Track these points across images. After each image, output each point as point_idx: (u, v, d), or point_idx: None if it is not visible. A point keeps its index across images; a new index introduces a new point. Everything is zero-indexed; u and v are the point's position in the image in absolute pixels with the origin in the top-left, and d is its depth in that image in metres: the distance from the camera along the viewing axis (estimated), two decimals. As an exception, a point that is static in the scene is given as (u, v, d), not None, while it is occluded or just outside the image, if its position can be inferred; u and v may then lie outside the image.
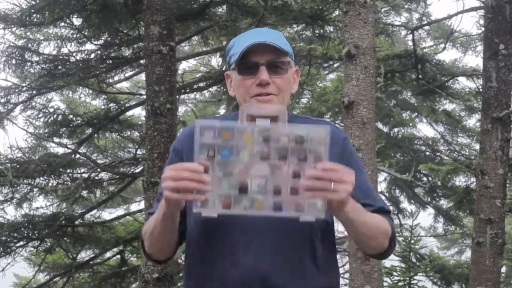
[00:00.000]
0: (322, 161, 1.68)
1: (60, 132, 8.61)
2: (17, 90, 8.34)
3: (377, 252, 1.95)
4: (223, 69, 10.21)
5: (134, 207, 13.09)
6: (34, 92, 8.38)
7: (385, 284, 9.01)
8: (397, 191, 14.10)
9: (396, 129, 13.08)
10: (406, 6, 12.47)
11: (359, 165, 2.01)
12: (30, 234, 8.24)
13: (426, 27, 13.94)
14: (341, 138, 1.98)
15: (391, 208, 13.95)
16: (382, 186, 13.77)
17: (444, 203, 13.46)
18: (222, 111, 14.34)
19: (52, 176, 8.31)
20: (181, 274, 9.17)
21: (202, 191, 1.66)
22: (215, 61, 13.85)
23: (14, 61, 8.01)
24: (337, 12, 8.69)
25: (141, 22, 7.20)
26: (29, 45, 8.54)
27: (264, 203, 1.69)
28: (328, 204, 1.69)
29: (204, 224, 1.84)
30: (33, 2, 7.53)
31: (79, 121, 8.54)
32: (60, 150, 8.73)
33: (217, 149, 1.69)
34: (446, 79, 9.30)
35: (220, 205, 1.70)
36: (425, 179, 12.71)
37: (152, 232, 1.91)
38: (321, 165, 1.66)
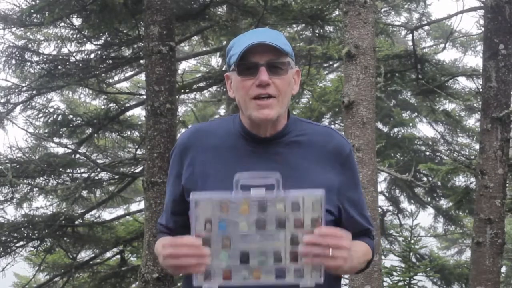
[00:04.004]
0: (319, 226, 1.69)
1: (60, 132, 8.62)
2: (17, 90, 8.34)
3: (352, 273, 2.01)
4: (223, 69, 10.21)
5: (134, 207, 13.09)
6: (34, 92, 8.38)
7: (385, 284, 9.01)
8: (397, 191, 14.10)
9: (396, 129, 13.07)
10: (406, 6, 12.47)
11: (357, 181, 2.03)
12: (30, 234, 8.24)
13: (426, 27, 13.96)
14: (345, 152, 1.98)
15: (390, 208, 13.98)
16: (382, 186, 13.78)
17: (444, 203, 13.46)
18: (222, 111, 14.34)
19: (52, 176, 8.31)
20: (181, 274, 9.17)
21: (202, 264, 1.69)
22: (215, 61, 13.87)
23: (14, 61, 8.01)
24: (337, 12, 8.69)
25: (141, 22, 7.20)
26: (29, 45, 8.54)
27: (263, 272, 1.72)
28: (326, 269, 1.72)
29: None
30: (33, 2, 7.53)
31: (79, 121, 8.55)
32: (60, 150, 8.75)
33: (214, 221, 1.71)
34: (446, 79, 9.31)
35: (220, 277, 1.73)
36: (425, 179, 12.70)
37: (162, 261, 1.94)
38: (318, 231, 1.68)
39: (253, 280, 1.72)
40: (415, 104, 13.38)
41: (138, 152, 9.31)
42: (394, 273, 9.26)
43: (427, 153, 13.43)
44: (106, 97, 9.07)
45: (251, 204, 1.70)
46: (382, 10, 10.81)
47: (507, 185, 7.17)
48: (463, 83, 12.76)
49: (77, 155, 8.53)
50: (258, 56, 1.86)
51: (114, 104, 8.79)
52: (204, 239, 1.69)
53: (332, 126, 12.34)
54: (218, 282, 1.72)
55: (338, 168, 1.94)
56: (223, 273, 1.72)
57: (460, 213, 12.13)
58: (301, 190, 1.72)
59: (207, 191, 1.78)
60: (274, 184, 1.73)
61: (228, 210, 1.70)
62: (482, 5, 7.30)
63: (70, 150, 8.53)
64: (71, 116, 8.52)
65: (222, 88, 10.93)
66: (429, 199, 13.69)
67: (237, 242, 1.71)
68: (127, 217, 10.51)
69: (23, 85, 8.52)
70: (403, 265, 9.67)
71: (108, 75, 9.46)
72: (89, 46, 8.46)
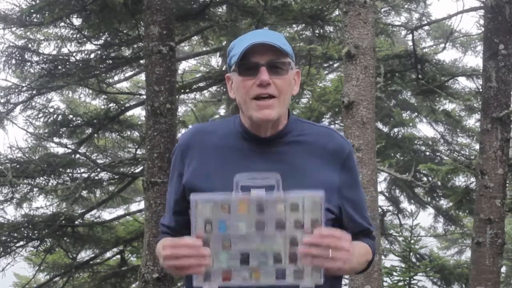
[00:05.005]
0: (319, 227, 1.68)
1: (60, 132, 8.62)
2: (17, 90, 8.35)
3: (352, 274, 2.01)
4: (223, 69, 10.22)
5: (134, 207, 13.08)
6: (34, 92, 8.39)
7: (385, 284, 9.01)
8: (397, 191, 14.09)
9: (396, 129, 13.06)
10: (406, 6, 12.47)
11: (357, 181, 2.03)
12: (30, 234, 8.24)
13: (426, 27, 13.95)
14: (345, 152, 1.98)
15: (390, 208, 13.96)
16: (382, 186, 13.77)
17: (444, 203, 13.45)
18: (222, 111, 14.34)
19: (52, 176, 8.31)
20: (181, 275, 9.17)
21: (202, 265, 1.69)
22: (215, 61, 13.87)
23: (14, 61, 8.01)
24: (337, 12, 8.70)
25: (141, 22, 7.20)
26: (29, 45, 8.55)
27: (262, 273, 1.71)
28: (326, 270, 1.71)
29: None
30: (33, 2, 7.53)
31: (79, 121, 8.55)
32: (60, 150, 8.75)
33: (214, 222, 1.70)
34: (446, 79, 9.31)
35: (219, 278, 1.72)
36: (425, 179, 12.70)
37: (163, 262, 1.95)
38: (318, 231, 1.67)
39: (253, 281, 1.72)
40: (415, 104, 13.37)
41: (138, 152, 9.31)
42: (394, 273, 9.26)
43: (427, 153, 13.42)
44: (106, 97, 9.07)
45: (251, 205, 1.70)
46: (382, 10, 10.81)
47: (507, 185, 7.17)
48: (463, 83, 12.75)
49: (77, 155, 8.53)
50: (259, 56, 1.87)
51: (114, 104, 8.80)
52: (204, 240, 1.69)
53: (332, 126, 12.34)
54: (218, 283, 1.72)
55: (338, 168, 1.95)
56: (223, 274, 1.72)
57: (460, 213, 12.12)
58: (300, 191, 1.72)
59: (208, 190, 1.79)
60: (274, 185, 1.73)
61: (228, 210, 1.70)
62: (482, 5, 7.30)
63: (70, 150, 8.53)
64: (71, 116, 8.53)
65: (222, 88, 10.93)
66: (429, 199, 13.68)
67: (237, 243, 1.71)
68: (127, 217, 10.51)
69: (23, 85, 8.52)
70: (403, 265, 9.67)
71: (108, 75, 9.47)
72: (89, 46, 8.47)
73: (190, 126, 9.28)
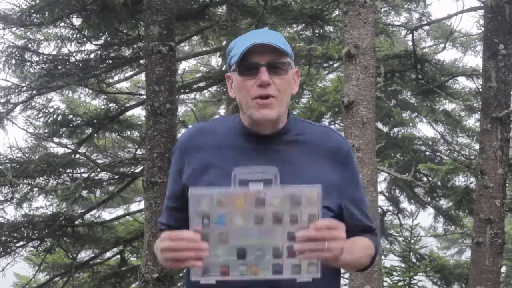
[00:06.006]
0: (315, 221, 1.70)
1: (60, 132, 8.62)
2: (17, 90, 8.35)
3: (357, 269, 2.05)
4: (223, 69, 10.22)
5: (134, 207, 13.08)
6: (34, 92, 8.39)
7: (385, 284, 9.01)
8: (397, 191, 14.09)
9: (396, 129, 13.07)
10: (405, 6, 12.47)
11: (357, 179, 2.04)
12: (30, 234, 8.24)
13: (426, 27, 13.95)
14: (344, 150, 2.00)
15: (390, 208, 13.95)
16: (382, 186, 13.77)
17: (444, 203, 13.46)
18: (222, 111, 14.35)
19: (52, 176, 8.31)
20: (181, 274, 9.17)
21: (200, 258, 1.69)
22: (215, 61, 13.87)
23: (14, 61, 8.01)
24: (337, 12, 8.71)
25: (141, 22, 7.21)
26: (29, 45, 8.55)
27: (260, 268, 1.72)
28: (324, 261, 1.73)
29: None
30: (33, 2, 7.53)
31: (79, 121, 8.55)
32: (60, 150, 8.75)
33: (212, 216, 1.71)
34: (445, 79, 9.31)
35: (218, 272, 1.73)
36: (425, 179, 12.69)
37: (160, 255, 1.96)
38: (314, 225, 1.69)
39: (252, 275, 1.72)
40: (415, 104, 13.36)
41: (138, 152, 9.31)
42: (394, 273, 9.27)
43: (427, 153, 13.42)
44: (106, 97, 9.07)
45: (249, 199, 1.70)
46: (382, 10, 10.82)
47: (507, 185, 7.17)
48: (463, 83, 12.77)
49: (77, 155, 8.53)
50: (259, 56, 1.88)
51: (114, 104, 8.79)
52: (202, 234, 1.70)
53: (332, 126, 12.34)
54: (216, 278, 1.73)
55: (337, 166, 1.96)
56: (221, 269, 1.72)
57: (460, 213, 12.12)
58: (298, 185, 1.73)
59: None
60: (272, 179, 1.75)
61: (226, 205, 1.71)
62: (482, 5, 7.30)
63: (70, 150, 8.53)
64: (71, 116, 8.53)
65: (222, 88, 10.94)
66: (429, 199, 13.68)
67: (234, 237, 1.71)
68: (127, 217, 10.51)
69: (23, 85, 8.52)
70: (403, 265, 9.68)
71: (108, 75, 9.47)
72: (89, 46, 8.47)
73: (190, 126, 9.28)
